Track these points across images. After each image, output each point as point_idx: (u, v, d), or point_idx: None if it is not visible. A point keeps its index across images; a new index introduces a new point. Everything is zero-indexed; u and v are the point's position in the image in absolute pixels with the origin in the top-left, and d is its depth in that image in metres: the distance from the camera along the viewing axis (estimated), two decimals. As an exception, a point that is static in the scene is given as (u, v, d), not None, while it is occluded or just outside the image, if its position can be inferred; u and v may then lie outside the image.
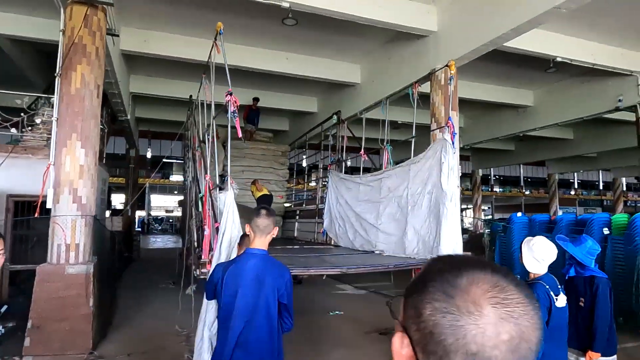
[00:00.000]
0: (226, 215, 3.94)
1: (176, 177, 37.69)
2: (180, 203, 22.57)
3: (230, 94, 4.13)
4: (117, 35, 6.31)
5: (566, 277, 3.08)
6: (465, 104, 11.27)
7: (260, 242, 2.41)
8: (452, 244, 4.60)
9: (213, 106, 5.78)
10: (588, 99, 11.09)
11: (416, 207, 5.21)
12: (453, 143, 4.76)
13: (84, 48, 5.52)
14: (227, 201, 3.99)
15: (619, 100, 10.17)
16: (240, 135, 4.15)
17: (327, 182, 7.88)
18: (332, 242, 7.64)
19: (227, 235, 3.88)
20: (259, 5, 7.05)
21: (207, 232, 5.22)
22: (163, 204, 41.95)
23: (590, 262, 2.92)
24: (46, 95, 6.92)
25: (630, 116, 12.88)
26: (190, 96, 7.54)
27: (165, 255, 17.51)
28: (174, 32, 8.92)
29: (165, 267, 13.66)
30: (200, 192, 6.22)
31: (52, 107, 6.86)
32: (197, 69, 10.55)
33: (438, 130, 7.56)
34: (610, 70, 9.55)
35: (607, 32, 8.80)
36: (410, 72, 8.45)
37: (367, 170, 7.74)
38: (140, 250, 16.57)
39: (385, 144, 6.44)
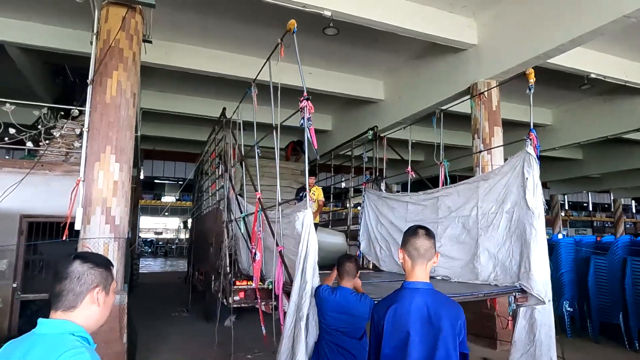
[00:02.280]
0: (306, 237, 3.40)
1: (168, 199, 36.76)
2: (185, 225, 21.69)
3: (308, 99, 3.66)
4: (151, 42, 5.83)
5: None
6: None
7: (422, 272, 1.89)
8: (544, 269, 4.13)
9: (255, 125, 5.30)
10: (611, 117, 10.95)
11: (490, 228, 4.76)
12: (538, 156, 4.37)
13: (120, 53, 5.01)
14: (305, 221, 3.46)
15: (647, 118, 10.04)
16: (316, 146, 3.65)
17: (363, 202, 7.39)
18: (371, 266, 7.10)
19: (311, 260, 3.33)
20: (296, 15, 6.69)
21: (258, 257, 4.65)
22: (153, 225, 40.75)
23: None
24: (65, 107, 6.33)
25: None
26: (223, 114, 7.04)
27: (164, 280, 16.65)
28: (197, 44, 8.50)
29: (168, 292, 12.87)
30: (241, 213, 5.67)
31: (66, 119, 6.32)
32: (216, 84, 10.23)
33: (482, 145, 7.22)
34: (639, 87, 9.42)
35: (638, 49, 8.69)
36: (446, 87, 8.16)
37: (405, 187, 7.28)
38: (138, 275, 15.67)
39: (441, 159, 6.02)
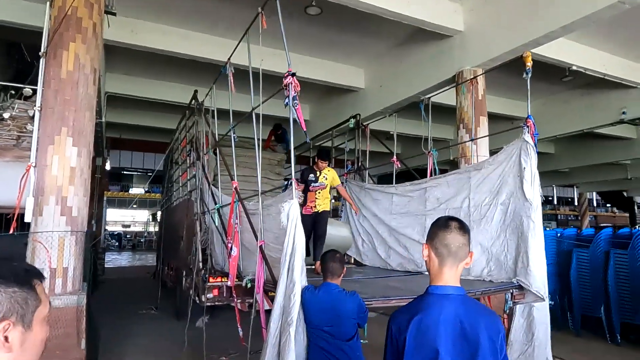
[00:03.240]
0: (293, 230, 3.01)
1: (136, 190, 35.41)
2: (154, 217, 20.80)
3: (293, 75, 3.24)
4: (114, 14, 5.24)
5: None
6: (454, 114, 10.68)
7: (452, 275, 1.53)
8: (542, 264, 3.90)
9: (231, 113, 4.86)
10: (589, 111, 11.01)
11: (484, 221, 4.49)
12: (535, 145, 4.12)
13: (78, 22, 4.42)
14: (291, 213, 3.07)
15: (623, 113, 10.12)
16: (304, 128, 3.25)
17: (344, 194, 7.04)
18: (352, 261, 6.77)
19: (298, 257, 2.94)
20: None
21: (235, 252, 4.23)
22: (120, 218, 39.28)
23: None
24: (16, 85, 5.65)
25: (615, 130, 13.14)
26: (195, 98, 6.50)
27: (131, 275, 15.89)
28: (167, 23, 7.87)
29: (136, 288, 12.21)
30: (216, 204, 5.21)
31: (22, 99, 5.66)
32: (188, 67, 9.59)
33: (467, 135, 6.99)
34: (617, 81, 9.44)
35: (618, 43, 8.67)
36: (430, 75, 7.90)
37: (387, 178, 6.98)
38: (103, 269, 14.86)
39: (430, 148, 5.72)
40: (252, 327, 4.63)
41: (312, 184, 5.39)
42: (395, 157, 6.17)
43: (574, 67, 8.59)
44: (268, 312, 3.31)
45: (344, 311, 2.87)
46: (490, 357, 1.40)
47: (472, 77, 6.94)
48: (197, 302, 6.00)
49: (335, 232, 6.07)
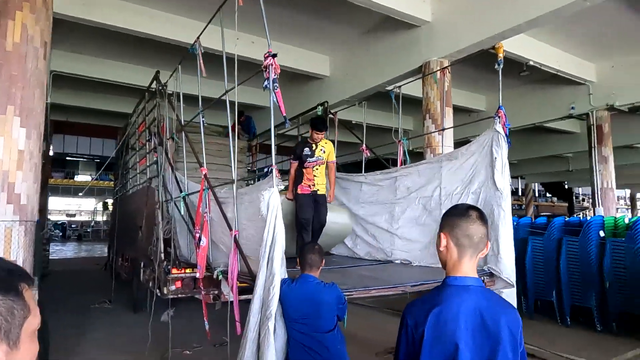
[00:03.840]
0: (273, 220, 2.88)
1: (82, 178, 33.45)
2: (106, 206, 19.73)
3: (273, 57, 3.08)
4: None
5: None
6: (414, 105, 10.73)
7: (470, 266, 1.47)
8: (511, 252, 4.02)
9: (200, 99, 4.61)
10: (542, 106, 11.54)
11: (455, 210, 4.56)
12: (507, 135, 4.21)
13: (26, -11, 3.97)
14: (271, 201, 2.93)
15: (572, 108, 10.69)
16: (284, 112, 3.10)
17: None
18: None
19: (278, 247, 2.82)
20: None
21: (204, 242, 4.03)
22: (65, 207, 37.08)
23: None
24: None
25: (562, 125, 13.94)
26: (157, 79, 6.09)
27: (79, 267, 15.02)
28: (123, -2, 7.34)
29: (86, 281, 11.55)
30: (181, 192, 4.95)
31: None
32: (145, 48, 9.03)
33: (433, 126, 7.08)
34: (569, 77, 9.94)
35: (571, 40, 9.10)
36: (397, 65, 7.91)
37: (350, 167, 6.95)
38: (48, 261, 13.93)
39: (400, 137, 5.71)
40: (219, 319, 4.48)
41: (308, 160, 4.90)
42: (364, 145, 6.11)
43: (531, 63, 8.95)
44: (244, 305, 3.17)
45: (323, 303, 2.81)
46: (511, 352, 1.35)
47: (438, 68, 7.03)
48: (159, 294, 5.72)
49: (333, 218, 5.24)
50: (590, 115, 10.34)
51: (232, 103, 4.33)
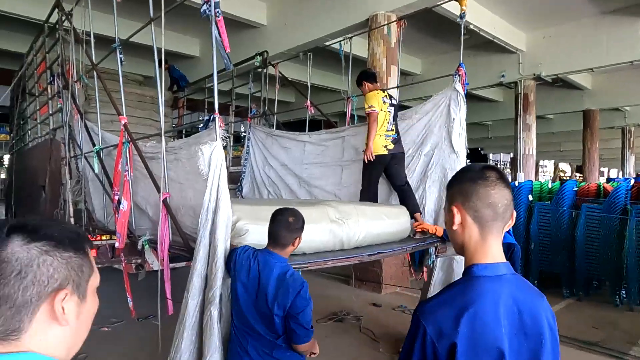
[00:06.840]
0: (216, 181, 2.35)
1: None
2: (0, 163, 17.32)
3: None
4: None
5: None
6: (357, 65, 10.38)
7: (499, 247, 1.12)
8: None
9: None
10: (473, 73, 11.68)
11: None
12: (465, 94, 3.98)
13: None
14: (214, 158, 2.38)
15: (502, 76, 11.00)
16: (228, 48, 2.51)
17: (247, 141, 6.34)
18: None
19: (223, 215, 2.31)
20: None
21: (125, 206, 3.39)
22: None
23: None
24: None
25: (487, 93, 14.51)
26: (59, 8, 4.96)
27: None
28: None
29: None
30: (94, 145, 4.15)
31: None
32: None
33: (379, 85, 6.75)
34: (502, 45, 10.11)
35: (506, 6, 9.17)
36: (342, 16, 7.37)
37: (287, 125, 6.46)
38: None
39: (349, 94, 5.28)
40: (144, 292, 3.94)
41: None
42: (309, 102, 5.62)
43: (472, 26, 8.89)
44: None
45: (275, 295, 2.05)
46: (552, 351, 1.05)
47: (385, 22, 6.63)
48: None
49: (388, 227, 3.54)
50: (519, 84, 10.71)
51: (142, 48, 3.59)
